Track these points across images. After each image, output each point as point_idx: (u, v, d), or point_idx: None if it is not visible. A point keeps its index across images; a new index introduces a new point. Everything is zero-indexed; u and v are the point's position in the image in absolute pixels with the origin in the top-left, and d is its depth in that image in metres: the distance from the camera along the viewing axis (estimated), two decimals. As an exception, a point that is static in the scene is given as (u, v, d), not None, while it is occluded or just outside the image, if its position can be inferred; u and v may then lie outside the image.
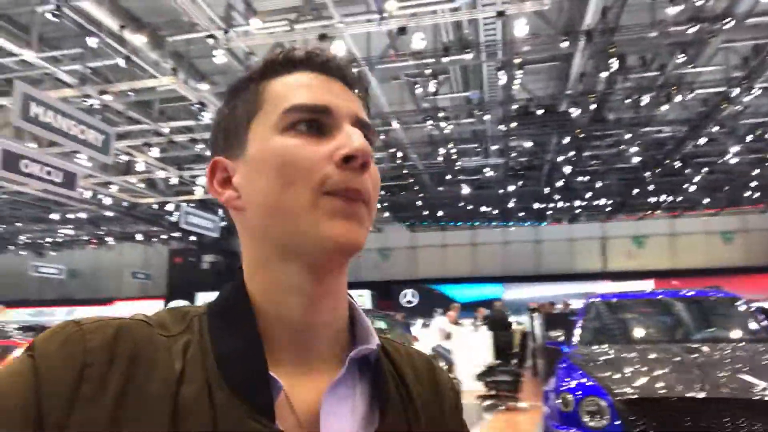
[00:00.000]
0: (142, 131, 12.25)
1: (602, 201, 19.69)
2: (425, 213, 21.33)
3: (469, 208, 20.39)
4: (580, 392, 3.85)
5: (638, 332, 5.39)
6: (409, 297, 23.47)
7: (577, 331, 5.32)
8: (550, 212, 21.51)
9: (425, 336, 10.18)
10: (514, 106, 11.83)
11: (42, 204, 18.86)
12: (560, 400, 3.92)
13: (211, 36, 8.05)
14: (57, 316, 26.20)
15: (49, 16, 7.64)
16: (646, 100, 10.84)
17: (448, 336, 10.29)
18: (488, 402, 8.77)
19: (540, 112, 11.49)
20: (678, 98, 10.55)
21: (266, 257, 0.58)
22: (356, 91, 0.63)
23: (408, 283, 23.90)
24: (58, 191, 9.67)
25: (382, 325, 7.69)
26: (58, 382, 0.48)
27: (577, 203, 19.92)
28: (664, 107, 10.91)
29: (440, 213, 21.36)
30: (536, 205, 20.13)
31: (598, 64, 9.94)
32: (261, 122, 0.59)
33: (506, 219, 22.58)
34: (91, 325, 0.53)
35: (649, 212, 21.21)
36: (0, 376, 0.50)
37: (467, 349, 10.32)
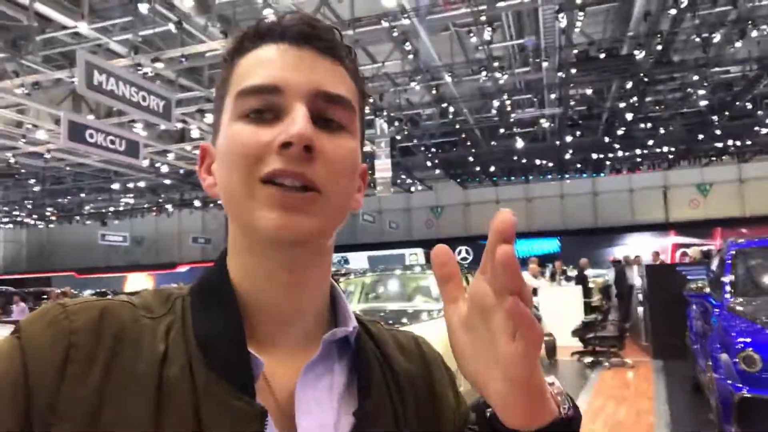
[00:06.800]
0: (194, 98, 12.35)
1: (665, 148, 18.78)
2: (477, 169, 20.93)
3: (523, 162, 19.86)
4: None
5: None
6: (463, 254, 23.34)
7: (728, 281, 4.83)
8: (609, 162, 20.72)
9: None
10: (574, 52, 11.26)
11: (103, 174, 19.52)
12: (740, 360, 3.55)
13: (258, -4, 7.91)
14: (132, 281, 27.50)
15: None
16: (717, 37, 10.08)
17: (534, 291, 9.79)
18: (589, 359, 8.39)
19: (602, 56, 10.86)
20: (753, 33, 9.75)
21: (239, 243, 0.58)
22: (334, 58, 0.58)
23: (462, 240, 23.73)
24: (121, 159, 9.89)
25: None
26: (45, 362, 0.49)
27: (638, 152, 19.09)
28: (737, 44, 10.14)
29: (492, 168, 20.91)
30: (594, 156, 19.40)
31: (664, 1, 9.29)
32: (227, 107, 0.58)
33: (562, 171, 21.91)
34: (76, 307, 0.53)
35: (715, 158, 20.12)
36: None
37: (555, 305, 9.84)
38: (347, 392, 0.59)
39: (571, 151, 18.60)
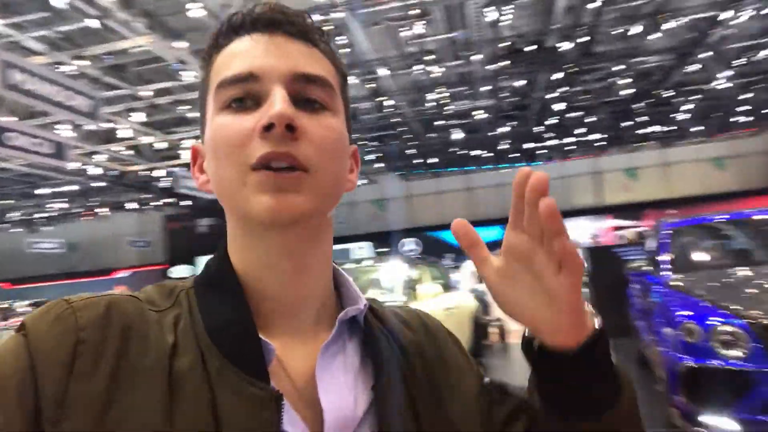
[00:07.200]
0: (122, 96, 11.93)
1: (594, 136, 19.52)
2: (418, 161, 21.14)
3: (462, 152, 20.19)
4: (710, 321, 3.57)
5: (737, 255, 5.01)
6: (409, 246, 23.54)
7: (666, 259, 5.00)
8: (543, 151, 21.36)
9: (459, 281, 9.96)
10: (504, 44, 11.52)
11: (28, 179, 18.61)
12: (682, 331, 3.67)
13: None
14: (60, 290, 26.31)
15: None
16: (634, 29, 10.55)
17: (480, 279, 10.08)
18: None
19: (530, 48, 11.17)
20: (670, 24, 10.27)
21: (237, 235, 0.60)
22: (307, 41, 0.60)
23: (407, 231, 23.94)
24: (47, 163, 9.44)
25: (436, 273, 7.53)
26: (53, 359, 0.49)
27: (569, 140, 19.76)
28: (653, 36, 10.65)
29: (432, 160, 21.17)
30: (528, 145, 19.94)
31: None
32: (209, 103, 0.59)
33: (499, 161, 22.43)
34: (81, 303, 0.53)
35: (641, 144, 21.09)
36: None
37: None
38: (361, 369, 0.60)
39: (506, 141, 19.05)
